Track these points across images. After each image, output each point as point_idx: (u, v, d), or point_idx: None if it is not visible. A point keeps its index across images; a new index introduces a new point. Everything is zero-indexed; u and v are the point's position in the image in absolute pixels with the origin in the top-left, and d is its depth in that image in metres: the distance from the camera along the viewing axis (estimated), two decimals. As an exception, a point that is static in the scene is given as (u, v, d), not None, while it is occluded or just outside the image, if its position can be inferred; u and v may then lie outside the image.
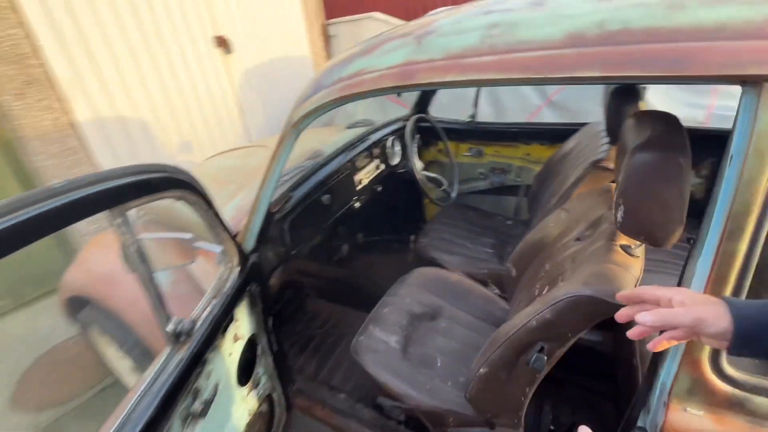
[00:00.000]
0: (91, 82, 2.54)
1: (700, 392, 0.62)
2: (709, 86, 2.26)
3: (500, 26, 0.70)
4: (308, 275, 2.11)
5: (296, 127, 0.92)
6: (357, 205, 1.62)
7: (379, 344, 1.32)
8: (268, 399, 1.26)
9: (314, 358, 1.71)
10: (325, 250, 2.10)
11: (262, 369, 1.18)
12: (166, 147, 3.03)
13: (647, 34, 0.58)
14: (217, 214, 0.88)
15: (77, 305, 1.53)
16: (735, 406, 0.60)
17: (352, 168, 1.54)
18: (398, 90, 0.77)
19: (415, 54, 0.76)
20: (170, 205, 0.95)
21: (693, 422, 0.63)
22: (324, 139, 1.67)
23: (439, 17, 0.83)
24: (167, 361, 0.74)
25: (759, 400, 0.59)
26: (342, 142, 1.55)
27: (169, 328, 0.72)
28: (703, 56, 0.54)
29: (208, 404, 0.84)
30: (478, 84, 0.70)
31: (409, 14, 5.79)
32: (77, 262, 1.57)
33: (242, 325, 1.02)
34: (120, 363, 1.67)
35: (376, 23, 4.78)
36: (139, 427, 0.65)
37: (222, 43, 3.40)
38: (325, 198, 1.37)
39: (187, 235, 0.94)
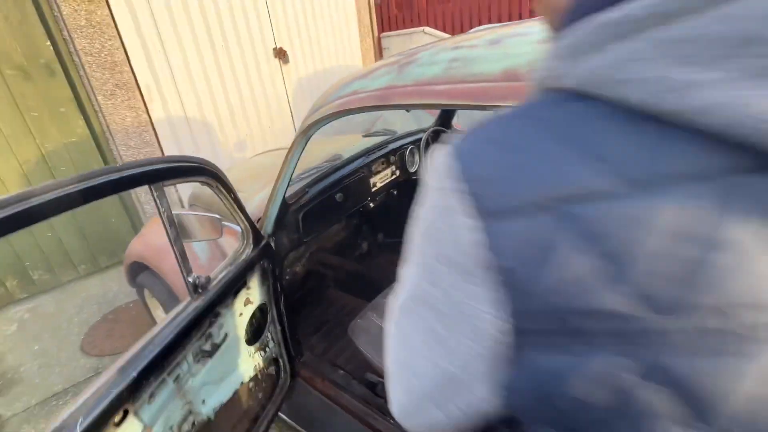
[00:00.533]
0: (167, 86, 2.97)
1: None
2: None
3: (460, 60, 0.86)
4: (331, 268, 2.32)
5: (305, 134, 1.13)
6: (371, 205, 1.81)
7: (373, 327, 1.49)
8: (275, 363, 1.47)
9: (325, 340, 1.91)
10: (347, 246, 2.31)
11: (270, 335, 1.40)
12: (224, 145, 3.43)
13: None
14: (236, 199, 1.11)
15: (137, 270, 1.86)
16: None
17: (368, 172, 1.74)
18: (378, 109, 0.95)
19: (395, 80, 0.94)
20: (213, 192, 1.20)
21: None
22: (344, 144, 1.88)
23: (421, 49, 1.00)
24: (186, 307, 0.97)
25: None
26: (360, 148, 1.76)
27: (190, 279, 0.95)
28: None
29: (216, 347, 1.07)
30: (434, 107, 0.87)
31: (456, 29, 5.92)
32: (140, 235, 1.91)
33: (253, 293, 1.24)
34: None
35: (426, 37, 4.99)
36: (158, 349, 0.88)
37: (280, 53, 3.77)
38: (338, 196, 1.57)
39: (216, 216, 1.18)
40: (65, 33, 2.52)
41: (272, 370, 1.47)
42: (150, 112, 2.90)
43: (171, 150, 3.05)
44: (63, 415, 0.71)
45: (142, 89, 2.84)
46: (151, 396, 0.87)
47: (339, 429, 1.46)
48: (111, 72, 2.68)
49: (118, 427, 0.78)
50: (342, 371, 1.64)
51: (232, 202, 1.08)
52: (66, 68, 2.60)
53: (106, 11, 2.59)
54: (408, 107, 0.89)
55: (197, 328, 0.99)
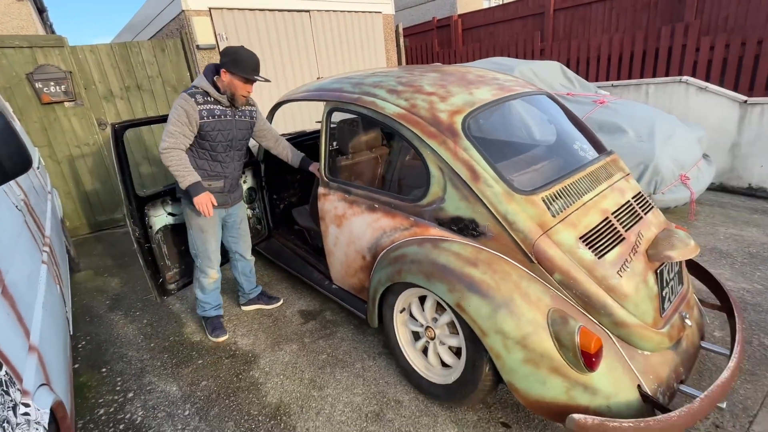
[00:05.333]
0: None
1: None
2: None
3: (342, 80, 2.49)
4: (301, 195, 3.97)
5: (273, 109, 2.84)
6: None
7: (303, 211, 3.13)
8: (260, 222, 3.17)
9: (288, 221, 3.57)
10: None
11: (256, 205, 3.10)
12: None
13: (329, 89, 2.31)
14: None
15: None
16: (331, 185, 2.25)
17: (316, 141, 3.39)
18: (308, 100, 2.61)
19: (320, 87, 2.59)
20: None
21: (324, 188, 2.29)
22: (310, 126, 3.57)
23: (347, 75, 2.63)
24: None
25: (333, 184, 2.24)
26: (315, 128, 3.42)
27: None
28: (332, 94, 2.25)
29: (227, 190, 2.78)
30: (309, 100, 2.49)
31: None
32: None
33: (248, 179, 2.95)
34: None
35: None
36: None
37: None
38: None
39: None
40: (197, 69, 4.64)
41: (258, 226, 3.17)
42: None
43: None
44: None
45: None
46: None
47: (289, 258, 3.04)
48: (216, 90, 4.73)
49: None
50: (293, 235, 3.28)
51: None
52: (194, 87, 4.71)
53: (218, 59, 4.67)
54: (305, 100, 2.53)
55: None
